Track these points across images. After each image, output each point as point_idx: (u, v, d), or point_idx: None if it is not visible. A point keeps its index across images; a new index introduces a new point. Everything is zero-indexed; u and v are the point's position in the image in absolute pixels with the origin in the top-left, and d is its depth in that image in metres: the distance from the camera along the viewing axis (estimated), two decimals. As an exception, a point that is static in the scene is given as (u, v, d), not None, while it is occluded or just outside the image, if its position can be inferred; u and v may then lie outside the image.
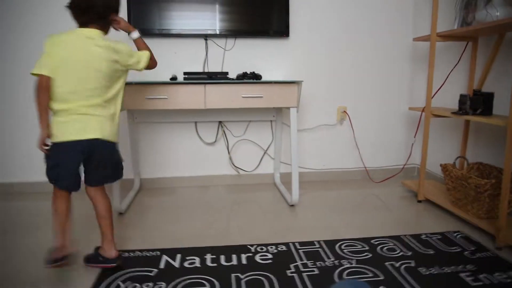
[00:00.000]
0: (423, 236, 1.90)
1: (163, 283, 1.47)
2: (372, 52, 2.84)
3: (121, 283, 1.47)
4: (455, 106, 2.49)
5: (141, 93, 2.12)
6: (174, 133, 2.75)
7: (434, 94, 2.57)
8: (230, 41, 2.67)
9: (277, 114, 2.75)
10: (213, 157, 2.83)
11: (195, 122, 2.75)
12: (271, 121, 2.82)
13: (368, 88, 2.89)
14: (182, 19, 2.53)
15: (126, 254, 1.72)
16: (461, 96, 2.08)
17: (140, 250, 1.76)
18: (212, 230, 2.02)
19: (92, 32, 1.48)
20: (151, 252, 1.74)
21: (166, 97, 2.14)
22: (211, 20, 2.56)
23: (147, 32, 2.51)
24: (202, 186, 2.82)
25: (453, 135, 2.57)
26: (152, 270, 1.58)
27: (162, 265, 1.62)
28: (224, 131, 2.79)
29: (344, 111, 2.89)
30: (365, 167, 2.95)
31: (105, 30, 1.58)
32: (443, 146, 2.67)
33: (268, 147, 2.87)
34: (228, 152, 2.83)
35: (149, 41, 2.59)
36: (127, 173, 2.74)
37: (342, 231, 1.99)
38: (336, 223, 2.11)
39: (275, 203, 2.44)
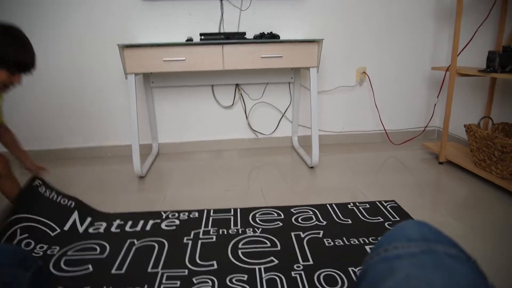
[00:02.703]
0: (350, 205, 1.82)
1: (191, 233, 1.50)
2: (393, 8, 2.72)
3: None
4: (478, 65, 2.41)
5: (158, 55, 2.08)
6: (190, 97, 2.72)
7: (460, 52, 2.47)
8: (246, 1, 2.58)
9: (295, 75, 2.69)
10: (231, 120, 2.80)
11: (212, 86, 2.71)
12: (289, 83, 2.76)
13: (389, 48, 2.79)
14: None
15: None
16: (490, 52, 1.99)
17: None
18: (232, 192, 2.03)
19: None
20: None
21: (183, 58, 2.09)
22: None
23: (161, -8, 2.44)
24: (220, 150, 2.82)
25: (477, 96, 2.49)
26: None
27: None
28: (241, 94, 2.75)
29: (364, 72, 2.81)
30: (385, 129, 2.91)
31: None
32: (467, 107, 2.60)
33: (286, 110, 2.83)
34: (246, 116, 2.80)
35: (163, 4, 2.55)
36: (146, 138, 2.75)
37: (363, 193, 1.98)
38: (357, 184, 2.10)
39: (294, 166, 2.43)
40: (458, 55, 2.23)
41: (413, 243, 0.51)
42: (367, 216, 1.69)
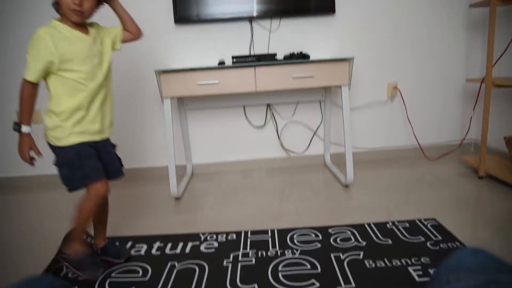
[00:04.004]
0: (388, 224, 1.77)
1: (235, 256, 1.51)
2: (424, 22, 2.70)
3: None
4: (518, 75, 2.34)
5: (192, 79, 2.14)
6: (223, 118, 2.77)
7: (495, 63, 2.41)
8: (275, 22, 2.63)
9: (326, 93, 2.70)
10: (262, 140, 2.83)
11: (244, 106, 2.75)
12: (320, 101, 2.77)
13: (420, 62, 2.76)
14: (225, 4, 2.51)
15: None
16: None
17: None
18: (267, 212, 2.03)
19: None
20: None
21: (217, 82, 2.14)
22: (256, 2, 2.52)
23: (190, 19, 2.52)
24: (252, 169, 2.83)
25: (517, 107, 2.42)
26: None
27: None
28: (272, 114, 2.78)
29: (395, 87, 2.78)
30: (419, 144, 2.85)
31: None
32: (505, 119, 2.52)
33: (317, 128, 2.83)
34: (278, 135, 2.82)
35: (194, 27, 2.63)
36: (180, 159, 2.81)
37: (401, 211, 1.94)
38: (393, 202, 2.06)
39: (328, 184, 2.42)
40: (493, 66, 2.19)
41: (474, 274, 0.51)
42: (408, 236, 1.65)
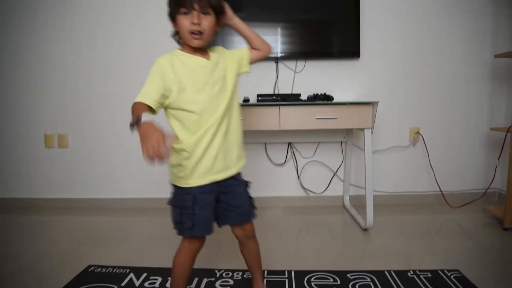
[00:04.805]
0: (410, 273, 1.71)
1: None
2: (448, 69, 2.73)
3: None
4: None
5: (217, 115, 2.19)
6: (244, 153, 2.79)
7: (521, 114, 2.40)
8: (300, 63, 2.69)
9: (348, 135, 2.71)
10: (282, 178, 2.83)
11: (265, 143, 2.78)
12: (341, 142, 2.78)
13: (443, 108, 2.77)
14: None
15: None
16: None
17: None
18: (284, 252, 2.00)
19: None
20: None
21: (241, 118, 2.18)
22: (282, 43, 2.60)
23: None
24: (271, 207, 2.82)
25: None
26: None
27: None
28: (293, 152, 2.79)
29: (417, 132, 2.77)
30: (441, 191, 2.80)
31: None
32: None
33: (337, 169, 2.82)
34: (297, 174, 2.82)
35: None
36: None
37: (423, 259, 1.88)
38: (414, 249, 2.00)
39: (347, 227, 2.38)
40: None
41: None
42: (430, 287, 1.59)
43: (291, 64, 2.69)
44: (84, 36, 2.73)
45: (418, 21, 2.69)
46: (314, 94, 2.41)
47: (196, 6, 1.19)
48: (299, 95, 2.34)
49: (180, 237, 1.37)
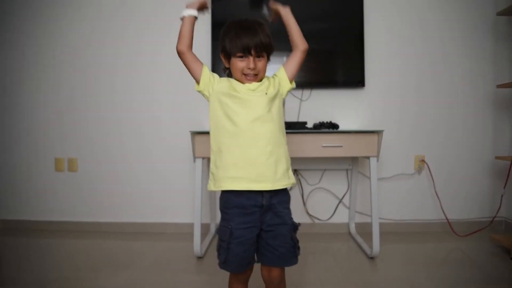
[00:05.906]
0: None
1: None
2: (452, 99, 2.78)
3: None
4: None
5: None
6: (250, 180, 2.82)
7: (525, 144, 2.43)
8: (306, 92, 2.76)
9: (353, 162, 2.74)
10: (288, 204, 2.84)
11: (271, 170, 2.80)
12: (346, 169, 2.80)
13: (448, 136, 2.80)
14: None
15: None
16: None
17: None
18: (288, 280, 2.00)
19: None
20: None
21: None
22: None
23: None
24: (276, 233, 2.81)
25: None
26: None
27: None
28: (299, 179, 2.82)
29: (422, 160, 2.80)
30: (447, 219, 2.79)
31: None
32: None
33: (343, 196, 2.83)
34: (303, 201, 2.84)
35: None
36: (204, 217, 2.83)
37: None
38: (421, 279, 2.00)
39: (352, 255, 2.38)
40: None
41: None
42: (437, 317, 1.59)
43: (298, 92, 2.76)
44: (91, 62, 2.84)
45: (421, 51, 2.77)
46: (320, 122, 2.46)
47: (253, 52, 1.27)
48: (305, 123, 2.39)
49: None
